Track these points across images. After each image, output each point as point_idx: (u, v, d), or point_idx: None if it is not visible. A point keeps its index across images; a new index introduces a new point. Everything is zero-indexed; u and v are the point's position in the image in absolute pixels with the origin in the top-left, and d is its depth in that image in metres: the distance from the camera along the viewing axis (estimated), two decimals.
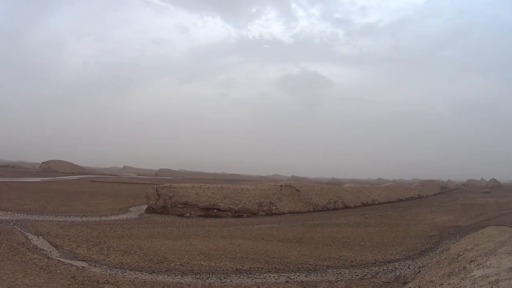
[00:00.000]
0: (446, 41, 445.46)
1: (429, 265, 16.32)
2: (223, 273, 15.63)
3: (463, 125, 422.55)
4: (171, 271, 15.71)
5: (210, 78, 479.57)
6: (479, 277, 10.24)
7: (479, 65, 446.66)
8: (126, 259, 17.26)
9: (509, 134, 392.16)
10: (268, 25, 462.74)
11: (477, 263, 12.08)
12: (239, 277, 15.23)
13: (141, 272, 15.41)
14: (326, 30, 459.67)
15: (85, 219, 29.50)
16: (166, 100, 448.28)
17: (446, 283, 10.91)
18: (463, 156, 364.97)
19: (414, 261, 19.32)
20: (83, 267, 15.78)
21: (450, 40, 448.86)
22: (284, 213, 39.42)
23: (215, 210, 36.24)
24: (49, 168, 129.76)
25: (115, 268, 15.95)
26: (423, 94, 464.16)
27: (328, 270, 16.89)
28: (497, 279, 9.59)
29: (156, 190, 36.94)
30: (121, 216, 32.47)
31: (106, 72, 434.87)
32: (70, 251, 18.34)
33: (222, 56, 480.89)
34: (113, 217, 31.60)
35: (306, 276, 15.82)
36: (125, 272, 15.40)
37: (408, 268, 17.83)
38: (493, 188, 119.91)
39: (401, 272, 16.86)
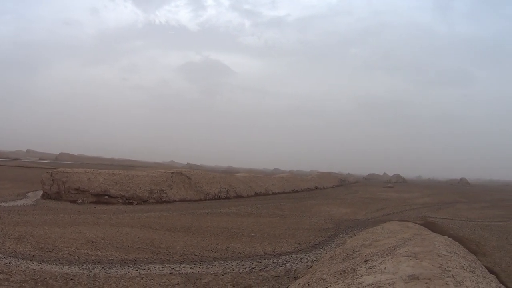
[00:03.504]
0: (356, 39, 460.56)
1: (322, 260, 16.46)
2: (109, 263, 15.78)
3: (367, 121, 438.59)
4: (59, 260, 15.80)
5: (114, 62, 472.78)
6: (369, 285, 9.67)
7: (387, 65, 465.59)
8: (19, 248, 17.26)
9: (413, 132, 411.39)
10: (177, 11, 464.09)
11: (370, 265, 11.76)
12: (124, 267, 15.42)
13: (32, 261, 15.43)
14: (233, 20, 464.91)
15: None
16: (71, 82, 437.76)
17: None
18: (366, 150, 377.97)
19: (306, 255, 19.62)
20: None
21: (360, 38, 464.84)
22: (175, 201, 39.87)
23: (106, 197, 36.27)
24: None
25: (10, 256, 15.94)
26: (327, 88, 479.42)
27: (215, 262, 17.19)
28: None
29: (51, 175, 36.62)
30: (18, 202, 32.31)
31: (17, 51, 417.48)
32: None
33: (127, 41, 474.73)
34: (11, 203, 31.36)
35: (191, 267, 16.11)
36: (18, 261, 15.39)
37: (300, 261, 18.12)
38: (397, 183, 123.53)
39: (292, 266, 17.17)
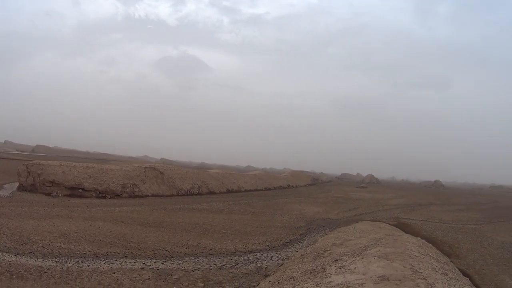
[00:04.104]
0: (334, 39, 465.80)
1: (293, 258, 16.63)
2: (81, 257, 15.91)
3: (342, 120, 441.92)
4: (33, 253, 15.91)
5: (92, 54, 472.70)
6: (337, 285, 9.52)
7: (365, 66, 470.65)
8: None
9: (388, 133, 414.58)
10: (156, 5, 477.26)
11: (340, 265, 11.68)
12: (96, 261, 15.53)
13: (8, 254, 15.50)
14: (212, 16, 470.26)
15: None
16: (50, 74, 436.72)
17: (299, 287, 10.44)
18: (340, 150, 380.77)
19: (277, 252, 19.83)
20: None
21: (339, 39, 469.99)
22: (147, 196, 39.94)
23: (80, 190, 36.23)
24: None
25: None
26: (303, 87, 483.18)
27: (186, 258, 17.37)
28: None
29: (27, 167, 36.58)
30: None
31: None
32: None
33: (106, 33, 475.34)
34: None
35: (162, 263, 16.26)
36: None
37: (271, 259, 18.32)
38: (370, 183, 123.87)
39: (262, 264, 17.38)
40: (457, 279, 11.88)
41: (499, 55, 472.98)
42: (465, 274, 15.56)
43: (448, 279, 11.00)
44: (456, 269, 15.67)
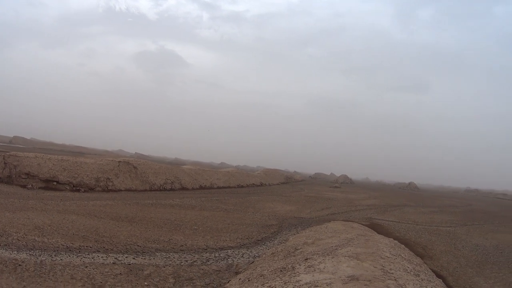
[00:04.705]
0: (313, 39, 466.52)
1: (264, 256, 16.97)
2: (55, 250, 16.00)
3: (318, 120, 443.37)
4: (9, 245, 15.99)
5: (72, 47, 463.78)
6: (306, 284, 9.55)
7: (343, 67, 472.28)
8: None
9: (364, 134, 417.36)
10: None
11: (309, 264, 11.72)
12: (69, 255, 15.63)
13: None
14: (192, 11, 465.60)
15: None
16: (29, 65, 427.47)
17: (267, 285, 10.44)
18: (314, 149, 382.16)
19: (248, 250, 20.03)
20: None
21: (318, 39, 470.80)
22: (121, 190, 40.04)
23: (55, 183, 36.25)
24: None
25: None
26: (280, 86, 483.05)
27: (157, 253, 17.49)
28: None
29: (4, 159, 36.40)
30: None
31: None
32: None
33: (87, 26, 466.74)
34: None
35: (134, 258, 16.38)
36: None
37: (242, 257, 18.52)
38: (344, 183, 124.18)
39: (233, 261, 17.52)
40: (430, 281, 12.11)
41: (477, 61, 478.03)
42: (438, 275, 15.98)
43: (420, 280, 11.14)
44: (429, 270, 16.02)
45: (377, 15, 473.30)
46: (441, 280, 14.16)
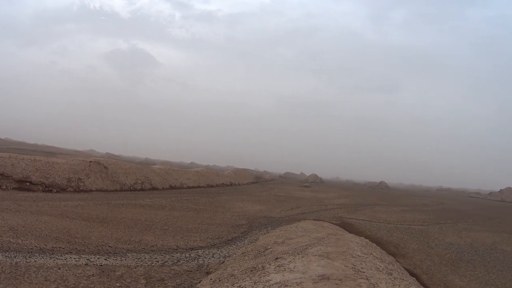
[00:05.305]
0: (284, 39, 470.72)
1: (234, 256, 17.04)
2: (29, 252, 16.07)
3: (287, 120, 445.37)
4: None
5: (46, 45, 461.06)
6: (276, 283, 9.53)
7: (314, 67, 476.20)
8: None
9: (334, 134, 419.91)
10: None
11: (279, 263, 11.74)
12: (42, 257, 15.69)
13: None
14: (164, 10, 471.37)
15: None
16: (4, 63, 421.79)
17: (237, 285, 10.46)
18: (284, 149, 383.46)
19: (219, 250, 20.26)
20: None
21: (289, 39, 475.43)
22: (92, 191, 40.03)
23: (28, 183, 36.11)
24: None
25: None
26: (250, 85, 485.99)
27: (128, 254, 17.61)
28: None
29: None
30: None
31: None
32: None
33: (61, 23, 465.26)
34: None
35: (105, 259, 16.47)
36: None
37: (213, 257, 18.72)
38: (314, 183, 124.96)
39: (204, 261, 17.74)
40: (403, 279, 12.04)
41: (449, 63, 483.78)
42: (412, 274, 16.17)
43: (392, 278, 11.14)
44: (402, 268, 16.11)
45: (349, 16, 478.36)
46: (414, 279, 14.21)
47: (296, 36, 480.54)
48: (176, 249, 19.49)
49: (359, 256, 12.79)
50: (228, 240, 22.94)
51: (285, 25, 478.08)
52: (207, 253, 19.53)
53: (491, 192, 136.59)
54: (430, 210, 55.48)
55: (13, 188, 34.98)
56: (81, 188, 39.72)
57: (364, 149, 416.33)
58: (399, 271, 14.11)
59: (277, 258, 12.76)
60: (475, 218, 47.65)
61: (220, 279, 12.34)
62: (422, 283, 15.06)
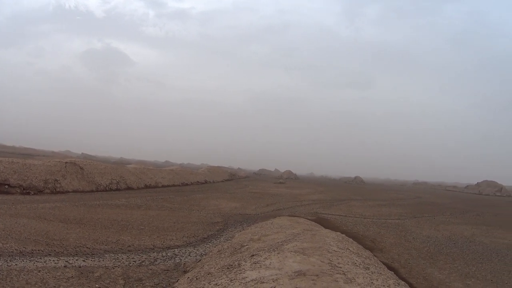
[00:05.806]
0: (257, 36, 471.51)
1: (211, 254, 17.20)
2: (9, 255, 16.20)
3: (261, 117, 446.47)
4: None
5: (22, 45, 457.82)
6: (252, 280, 9.49)
7: (287, 63, 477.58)
8: None
9: (308, 130, 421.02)
10: None
11: (255, 260, 11.75)
12: (22, 260, 15.80)
13: None
14: (138, 9, 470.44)
15: None
16: None
17: (213, 283, 10.42)
18: (258, 146, 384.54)
19: (195, 248, 20.38)
20: None
21: (261, 36, 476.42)
22: (68, 192, 40.12)
23: (6, 186, 36.20)
24: None
25: None
26: (223, 83, 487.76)
27: (106, 255, 17.69)
28: (274, 286, 8.77)
29: None
30: None
31: None
32: None
33: (37, 24, 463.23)
34: None
35: (84, 260, 16.56)
36: None
37: (189, 255, 18.85)
38: (288, 179, 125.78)
39: (181, 260, 17.87)
40: (381, 273, 12.03)
41: (425, 58, 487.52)
42: (390, 268, 16.23)
43: (370, 273, 11.16)
44: (380, 263, 16.28)
45: (323, 12, 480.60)
46: (393, 273, 14.41)
47: (269, 33, 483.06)
48: (153, 249, 19.64)
49: (335, 251, 12.96)
50: (204, 238, 23.08)
51: (258, 22, 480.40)
52: (184, 251, 19.66)
53: (468, 186, 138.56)
54: (406, 204, 56.16)
55: None
56: (57, 190, 39.77)
57: (339, 145, 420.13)
58: (376, 265, 14.21)
59: (253, 255, 12.79)
60: (452, 211, 48.32)
61: (197, 277, 12.36)
62: (400, 277, 15.09)
